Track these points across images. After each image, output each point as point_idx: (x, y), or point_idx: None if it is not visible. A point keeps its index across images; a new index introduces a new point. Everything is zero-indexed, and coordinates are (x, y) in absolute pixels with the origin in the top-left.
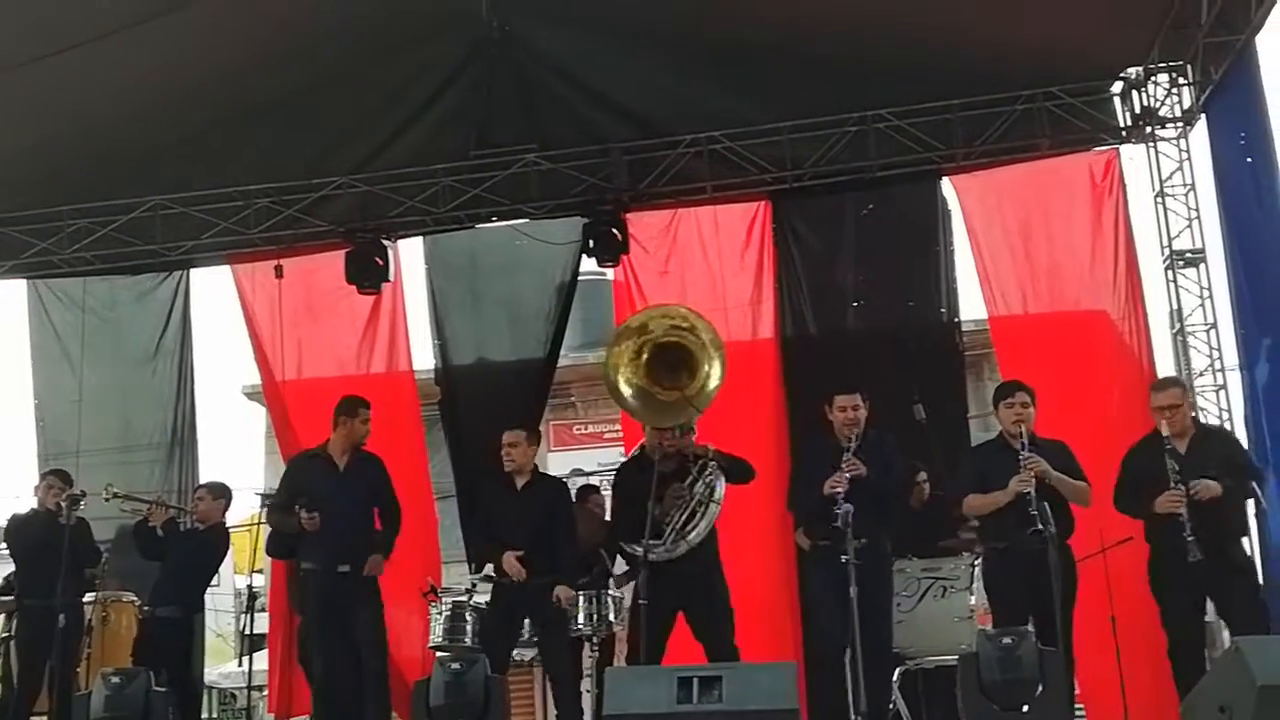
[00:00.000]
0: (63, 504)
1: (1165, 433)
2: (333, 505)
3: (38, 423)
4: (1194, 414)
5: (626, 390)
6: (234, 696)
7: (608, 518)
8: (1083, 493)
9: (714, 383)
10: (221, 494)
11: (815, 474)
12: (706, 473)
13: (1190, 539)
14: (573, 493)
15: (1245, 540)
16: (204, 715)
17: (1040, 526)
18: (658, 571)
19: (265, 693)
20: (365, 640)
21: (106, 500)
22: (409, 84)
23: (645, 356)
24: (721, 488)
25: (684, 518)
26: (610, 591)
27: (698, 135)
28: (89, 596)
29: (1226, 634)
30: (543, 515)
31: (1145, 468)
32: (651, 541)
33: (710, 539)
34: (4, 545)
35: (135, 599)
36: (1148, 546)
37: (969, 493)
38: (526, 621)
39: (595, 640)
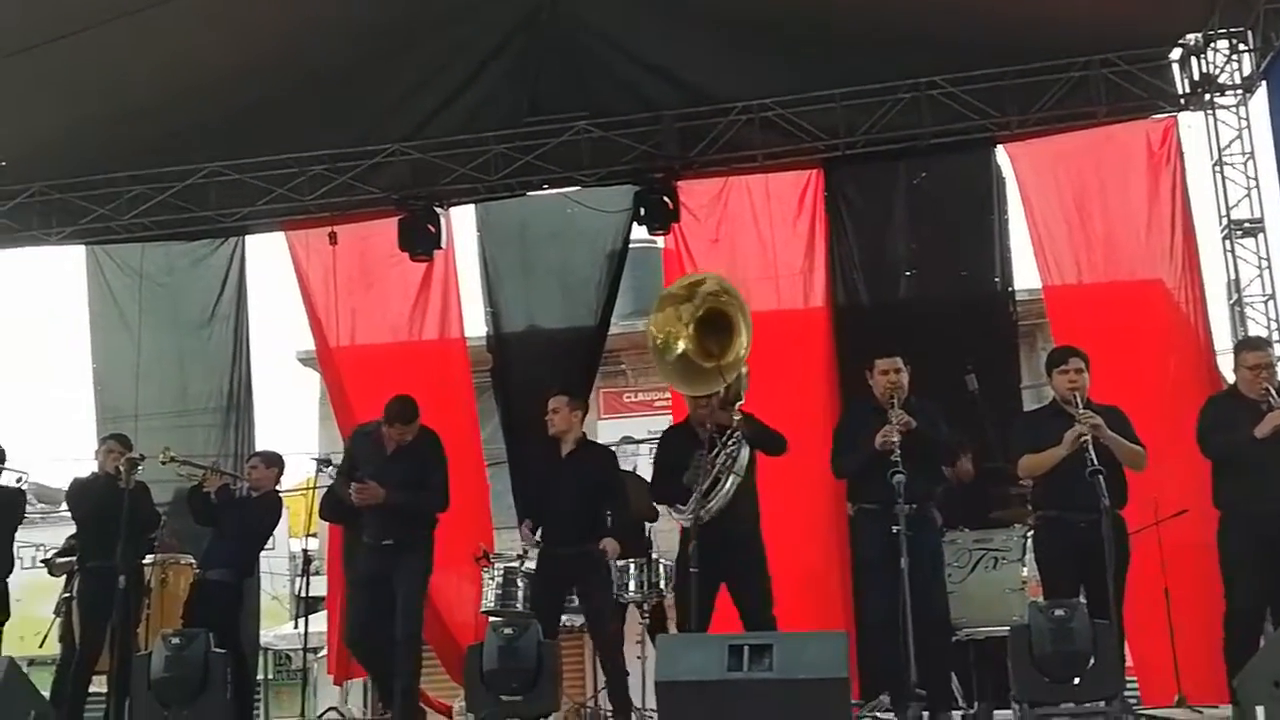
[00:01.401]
0: (121, 468)
1: (1247, 393)
2: (378, 485)
3: (96, 387)
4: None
5: (670, 357)
6: (289, 658)
7: None
8: (1139, 456)
9: (743, 352)
10: (274, 462)
11: (857, 435)
12: (730, 442)
13: None
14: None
15: None
16: (259, 676)
17: (1099, 467)
18: (704, 539)
19: (320, 654)
20: (401, 610)
21: (163, 464)
22: (461, 52)
23: (693, 325)
24: (744, 458)
25: (707, 485)
26: (660, 558)
27: (749, 103)
28: (148, 559)
29: None
30: (589, 483)
31: (1228, 414)
32: (680, 507)
33: (752, 508)
34: (66, 508)
35: (193, 561)
36: (1216, 513)
37: (1022, 455)
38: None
39: (645, 607)
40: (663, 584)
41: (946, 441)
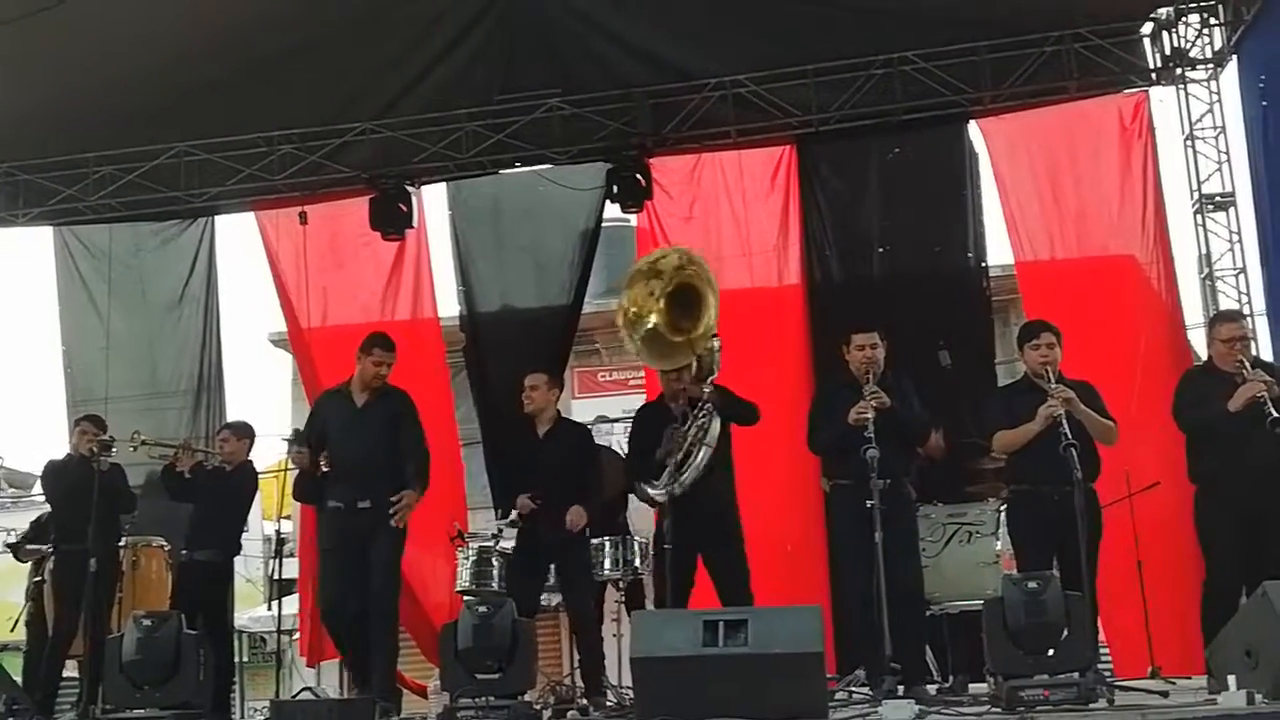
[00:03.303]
0: (95, 450)
1: (1221, 366)
2: (349, 442)
3: (66, 369)
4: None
5: (638, 334)
6: (264, 640)
7: None
8: (1110, 431)
9: (712, 323)
10: (245, 433)
11: (833, 410)
12: (701, 414)
13: (1274, 415)
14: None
15: None
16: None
17: (1073, 440)
18: (679, 514)
19: (295, 637)
20: (376, 582)
21: (134, 449)
22: (431, 29)
23: (664, 300)
24: (715, 429)
25: (680, 458)
26: (635, 536)
27: (722, 79)
28: (122, 541)
29: None
30: (565, 462)
31: (1203, 388)
32: (653, 481)
33: (726, 482)
34: (36, 492)
35: (165, 544)
36: (1188, 486)
37: (997, 431)
38: (553, 567)
39: (621, 584)
40: (638, 561)
41: (919, 419)
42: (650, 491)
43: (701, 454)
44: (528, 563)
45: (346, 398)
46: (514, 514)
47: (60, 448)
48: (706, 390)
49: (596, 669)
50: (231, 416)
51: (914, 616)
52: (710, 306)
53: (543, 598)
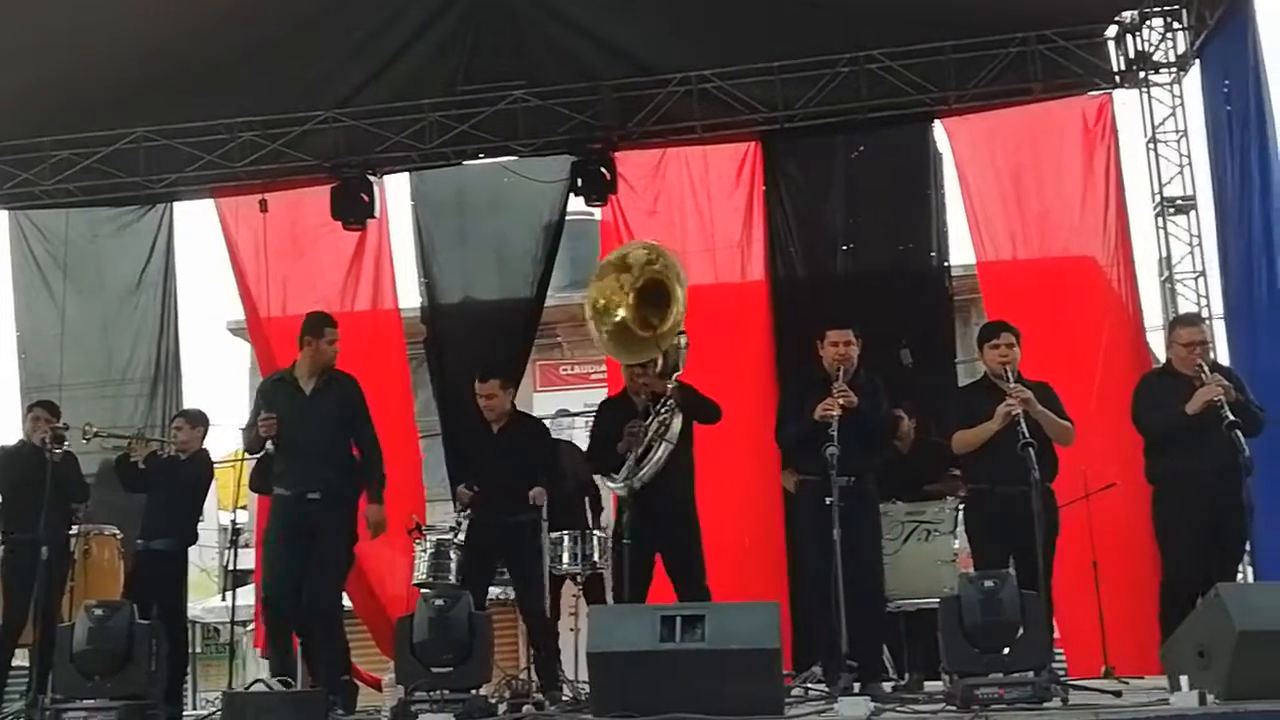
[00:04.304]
0: (47, 440)
1: (1180, 369)
2: (298, 430)
3: (19, 355)
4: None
5: (605, 326)
6: (218, 631)
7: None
8: (1067, 432)
9: (679, 319)
10: (199, 421)
11: (804, 405)
12: (663, 410)
13: (1229, 419)
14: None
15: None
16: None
17: (1030, 439)
18: (638, 510)
19: (249, 628)
20: (320, 578)
21: (86, 441)
22: (396, 18)
23: (633, 294)
24: (677, 426)
25: (640, 452)
26: (596, 531)
27: (688, 74)
28: (74, 529)
29: None
30: (521, 455)
31: (1161, 391)
32: (613, 475)
33: (686, 479)
34: None
35: (117, 533)
36: (1144, 487)
37: (955, 430)
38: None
39: (580, 579)
40: (596, 556)
41: (887, 419)
42: (610, 485)
43: (661, 450)
44: (477, 553)
45: (293, 385)
46: (459, 505)
47: (13, 434)
48: (670, 386)
49: (551, 663)
50: (188, 405)
51: (873, 614)
52: (678, 302)
53: (499, 591)
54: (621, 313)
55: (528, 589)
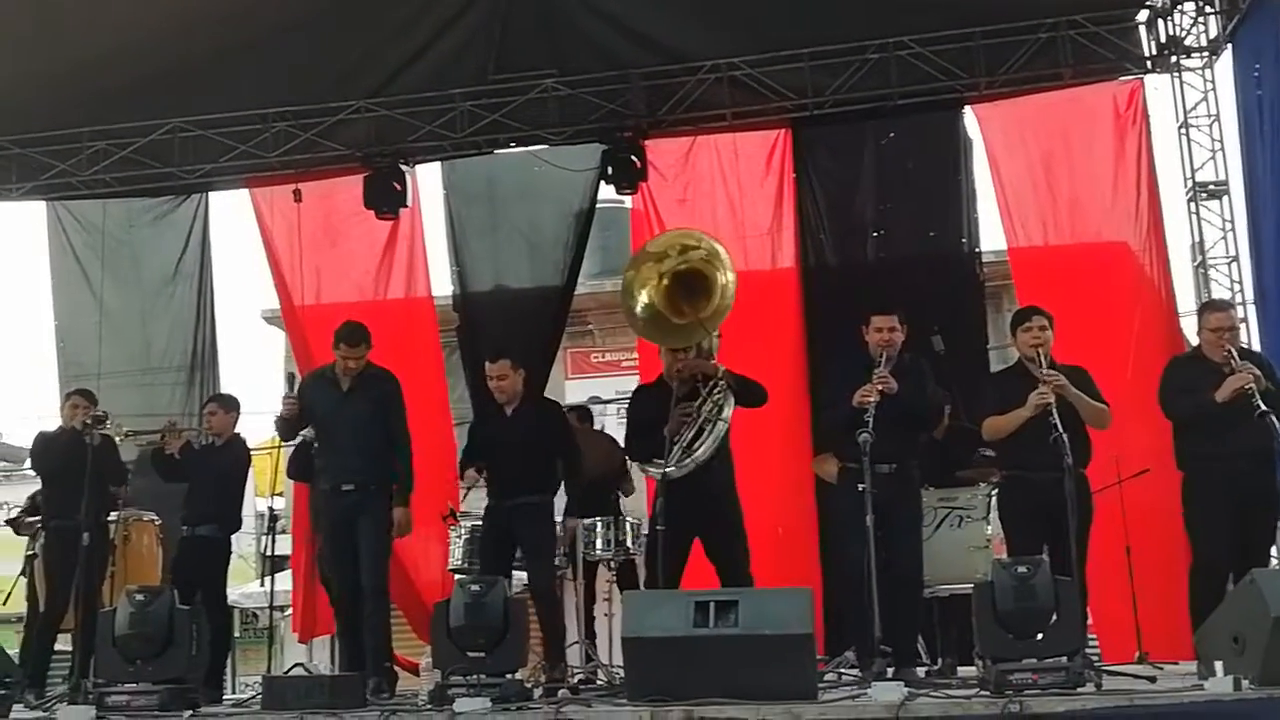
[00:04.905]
0: (88, 423)
1: (1209, 354)
2: (334, 425)
3: (58, 344)
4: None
5: (642, 314)
6: (256, 616)
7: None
8: (1102, 414)
9: (727, 301)
10: (232, 406)
11: (845, 391)
12: (715, 392)
13: (1261, 408)
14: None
15: None
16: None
17: (1061, 431)
18: (674, 496)
19: (287, 613)
20: (365, 564)
21: (120, 441)
22: (427, 8)
23: (666, 282)
24: (730, 407)
25: (691, 435)
26: (628, 517)
27: (718, 62)
28: (113, 516)
29: None
30: (531, 437)
31: (1190, 375)
32: (659, 460)
33: (725, 464)
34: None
35: (156, 519)
36: (1177, 473)
37: (987, 416)
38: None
39: (613, 565)
40: (629, 542)
41: (934, 403)
42: (649, 470)
43: (717, 430)
44: (493, 537)
45: (332, 381)
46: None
47: (55, 423)
48: (711, 369)
49: (555, 640)
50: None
51: (911, 600)
52: (716, 296)
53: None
54: (648, 304)
55: (534, 565)
